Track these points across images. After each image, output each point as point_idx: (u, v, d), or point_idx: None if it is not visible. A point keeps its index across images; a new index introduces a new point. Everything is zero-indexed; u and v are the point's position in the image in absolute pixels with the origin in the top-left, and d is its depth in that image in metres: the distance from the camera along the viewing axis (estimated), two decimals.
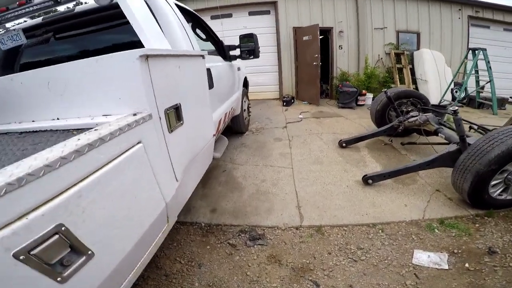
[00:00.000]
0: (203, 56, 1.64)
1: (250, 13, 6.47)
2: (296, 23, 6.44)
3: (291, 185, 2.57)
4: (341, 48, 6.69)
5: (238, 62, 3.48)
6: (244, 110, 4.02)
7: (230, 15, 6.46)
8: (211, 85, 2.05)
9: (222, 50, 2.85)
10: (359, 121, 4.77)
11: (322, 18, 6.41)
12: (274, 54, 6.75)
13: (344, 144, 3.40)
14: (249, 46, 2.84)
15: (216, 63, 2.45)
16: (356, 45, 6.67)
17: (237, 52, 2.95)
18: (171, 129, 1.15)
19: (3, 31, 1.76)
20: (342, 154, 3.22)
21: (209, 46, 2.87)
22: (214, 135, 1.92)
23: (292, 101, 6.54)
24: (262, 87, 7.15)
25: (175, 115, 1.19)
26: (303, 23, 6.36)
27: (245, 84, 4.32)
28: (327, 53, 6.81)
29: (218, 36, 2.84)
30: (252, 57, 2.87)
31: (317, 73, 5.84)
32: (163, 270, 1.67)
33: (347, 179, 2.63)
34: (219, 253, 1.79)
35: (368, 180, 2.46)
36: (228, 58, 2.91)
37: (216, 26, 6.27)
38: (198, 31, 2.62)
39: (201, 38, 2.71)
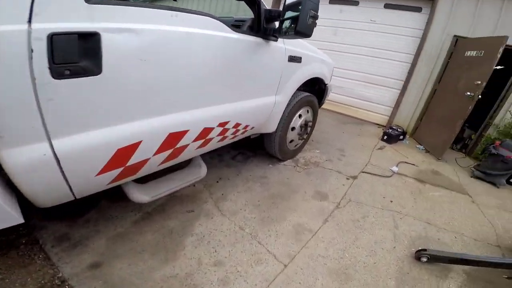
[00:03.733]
0: None
1: (387, 6, 4.73)
2: (462, 31, 4.16)
3: None
4: None
5: (297, 48, 2.32)
6: (293, 128, 2.71)
7: (355, 3, 4.99)
8: (91, 68, 0.98)
9: (257, 18, 1.93)
10: (495, 213, 2.53)
11: None
12: (404, 65, 4.79)
13: (424, 259, 1.74)
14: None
15: (170, 26, 1.22)
16: None
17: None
18: None
19: None
20: (403, 277, 1.65)
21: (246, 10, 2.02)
22: None
23: (401, 137, 4.51)
24: (366, 104, 5.38)
25: None
26: (475, 33, 4.02)
27: (319, 90, 3.14)
28: (496, 85, 4.12)
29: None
30: (292, 33, 1.73)
31: (466, 110, 3.56)
32: None
33: None
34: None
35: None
36: (262, 31, 1.94)
37: (332, 13, 5.09)
38: None
39: None
